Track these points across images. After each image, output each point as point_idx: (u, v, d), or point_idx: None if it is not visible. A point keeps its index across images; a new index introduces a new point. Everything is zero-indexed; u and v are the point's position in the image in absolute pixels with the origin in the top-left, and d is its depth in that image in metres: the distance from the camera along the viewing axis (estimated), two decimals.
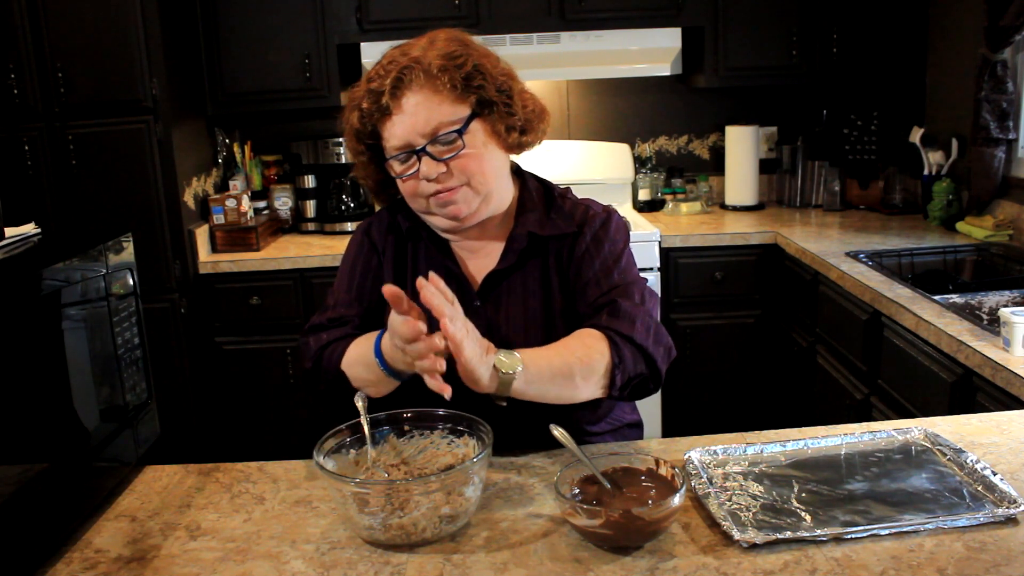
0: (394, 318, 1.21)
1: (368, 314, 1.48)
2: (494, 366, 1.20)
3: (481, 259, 1.48)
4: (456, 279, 1.46)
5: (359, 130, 1.40)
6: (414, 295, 1.47)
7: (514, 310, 1.44)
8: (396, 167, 1.39)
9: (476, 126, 1.37)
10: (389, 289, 1.17)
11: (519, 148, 1.45)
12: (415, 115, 1.34)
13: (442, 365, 1.16)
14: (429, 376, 1.17)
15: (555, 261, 1.46)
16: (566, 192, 1.53)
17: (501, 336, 1.43)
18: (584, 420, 1.49)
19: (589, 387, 1.31)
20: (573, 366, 1.29)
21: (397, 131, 1.36)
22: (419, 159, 1.36)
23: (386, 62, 1.38)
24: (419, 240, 1.50)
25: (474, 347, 1.16)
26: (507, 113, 1.40)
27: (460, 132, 1.35)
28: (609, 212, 1.51)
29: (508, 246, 1.45)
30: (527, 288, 1.45)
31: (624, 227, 1.51)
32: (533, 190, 1.50)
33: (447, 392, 1.15)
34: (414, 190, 1.39)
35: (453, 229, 1.44)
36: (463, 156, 1.36)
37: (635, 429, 1.61)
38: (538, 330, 1.43)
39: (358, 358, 1.38)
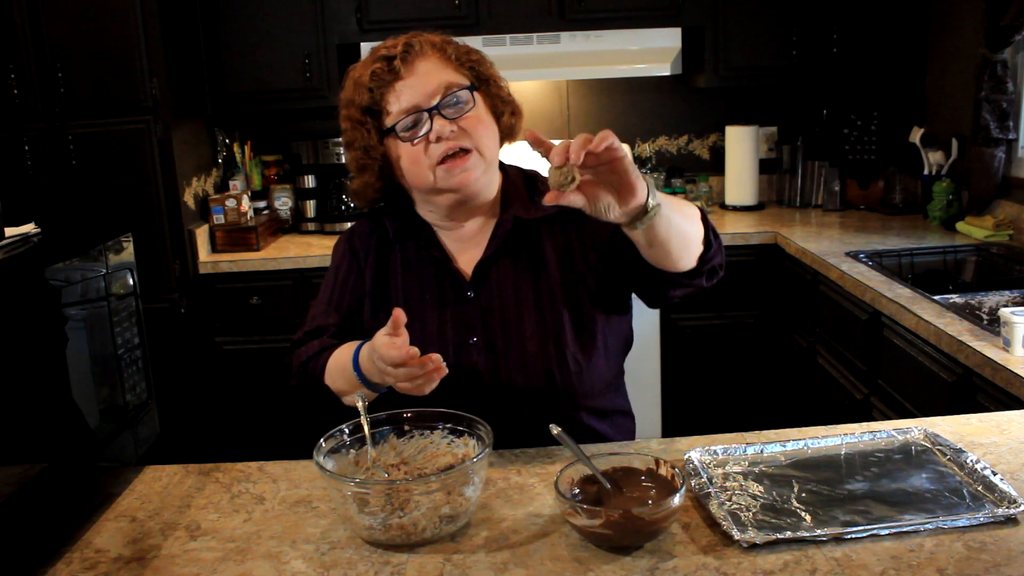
0: (380, 339, 1.22)
1: (346, 322, 1.50)
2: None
3: (471, 250, 1.49)
4: (449, 273, 1.47)
5: (365, 101, 1.40)
6: (405, 297, 1.49)
7: (507, 295, 1.45)
8: (403, 134, 1.39)
9: (478, 97, 1.43)
10: (397, 312, 1.20)
11: (510, 133, 1.49)
12: (426, 77, 1.38)
13: (428, 388, 1.20)
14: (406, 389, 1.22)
15: (550, 242, 1.47)
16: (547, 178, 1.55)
17: (496, 322, 1.44)
18: (584, 397, 1.48)
19: (698, 235, 1.28)
20: (688, 207, 1.28)
21: (404, 96, 1.38)
22: (431, 119, 1.37)
23: (388, 42, 1.42)
24: (407, 239, 1.50)
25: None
26: (498, 93, 1.46)
27: (471, 89, 1.41)
28: None
29: (495, 232, 1.47)
30: (518, 272, 1.46)
31: None
32: (515, 179, 1.53)
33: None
34: (421, 158, 1.38)
35: (457, 204, 1.43)
36: (472, 116, 1.39)
37: (628, 419, 1.61)
38: (531, 313, 1.45)
39: (338, 369, 1.40)
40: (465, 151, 1.38)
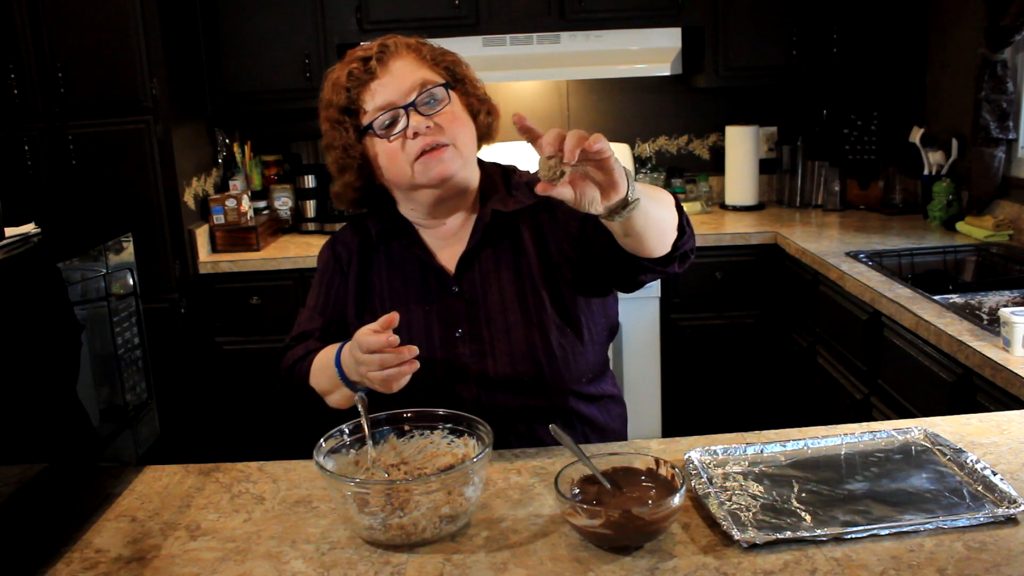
0: (362, 330, 1.23)
1: (330, 325, 1.53)
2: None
3: (453, 246, 1.50)
4: (433, 270, 1.48)
5: (343, 101, 1.41)
6: (390, 296, 1.50)
7: (490, 287, 1.47)
8: (380, 131, 1.40)
9: (453, 95, 1.44)
10: (392, 315, 1.22)
11: (487, 132, 1.50)
12: (401, 76, 1.39)
13: (397, 384, 1.23)
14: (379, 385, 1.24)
15: (528, 233, 1.48)
16: (525, 173, 1.57)
17: (481, 313, 1.46)
18: (572, 382, 1.49)
19: (672, 223, 1.31)
20: (664, 196, 1.31)
21: (380, 94, 1.39)
22: (407, 115, 1.38)
23: (364, 45, 1.45)
24: (390, 240, 1.52)
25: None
26: (474, 92, 1.47)
27: (446, 87, 1.42)
28: None
29: (475, 227, 1.48)
30: (499, 263, 1.48)
31: None
32: (492, 174, 1.54)
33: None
34: (398, 154, 1.39)
35: (438, 200, 1.44)
36: (448, 112, 1.40)
37: (619, 404, 1.61)
38: (514, 302, 1.46)
39: (321, 368, 1.42)
40: (442, 145, 1.39)
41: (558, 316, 1.46)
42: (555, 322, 1.45)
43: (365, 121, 1.41)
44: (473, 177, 1.49)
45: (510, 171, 1.56)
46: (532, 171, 1.57)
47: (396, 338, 1.20)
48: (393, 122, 1.39)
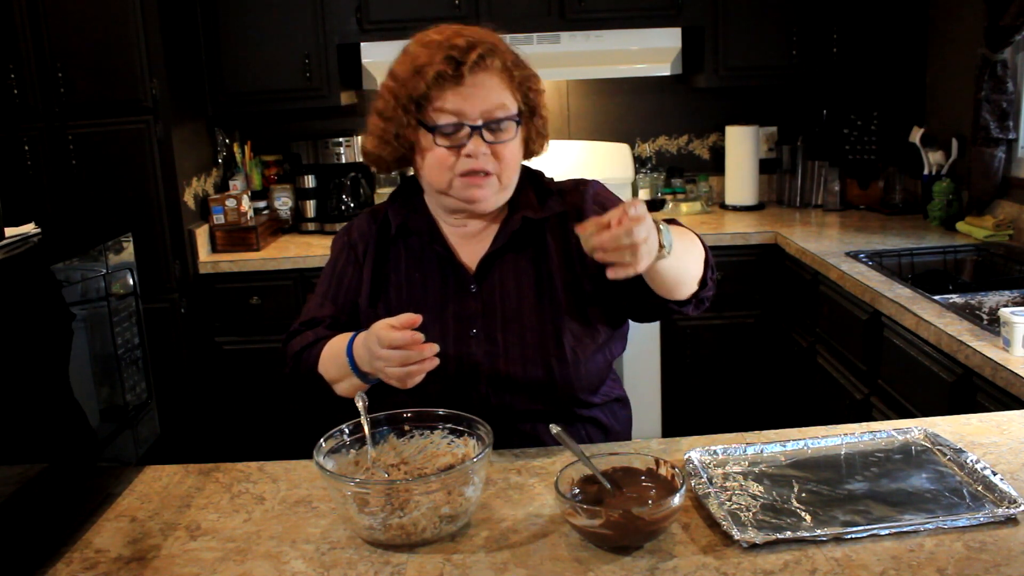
0: (381, 324, 1.24)
1: (340, 314, 1.52)
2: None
3: (475, 245, 1.49)
4: (453, 267, 1.48)
5: (418, 92, 1.37)
6: (407, 289, 1.50)
7: (509, 291, 1.46)
8: (440, 137, 1.39)
9: (519, 130, 1.44)
10: (415, 318, 1.23)
11: (529, 156, 1.51)
12: (484, 94, 1.38)
13: (413, 381, 1.24)
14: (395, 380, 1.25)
15: (554, 240, 1.48)
16: (551, 180, 1.57)
17: (497, 315, 1.45)
18: (581, 390, 1.49)
19: (697, 275, 1.36)
20: (694, 238, 1.36)
21: (455, 100, 1.37)
22: (471, 135, 1.38)
23: (460, 40, 1.38)
24: (410, 234, 1.51)
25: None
26: (538, 126, 1.48)
27: (518, 122, 1.42)
28: (593, 180, 1.56)
29: (502, 229, 1.48)
30: (520, 268, 1.47)
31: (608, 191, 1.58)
32: (522, 179, 1.52)
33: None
34: (447, 163, 1.39)
35: (460, 210, 1.45)
36: (509, 147, 1.41)
37: (624, 406, 1.62)
38: (532, 307, 1.45)
39: (331, 356, 1.42)
40: (487, 173, 1.40)
41: (575, 324, 1.45)
42: (571, 330, 1.45)
43: (430, 118, 1.39)
44: (502, 199, 1.47)
45: (539, 176, 1.55)
46: (556, 179, 1.57)
47: (420, 336, 1.21)
48: (456, 132, 1.38)
